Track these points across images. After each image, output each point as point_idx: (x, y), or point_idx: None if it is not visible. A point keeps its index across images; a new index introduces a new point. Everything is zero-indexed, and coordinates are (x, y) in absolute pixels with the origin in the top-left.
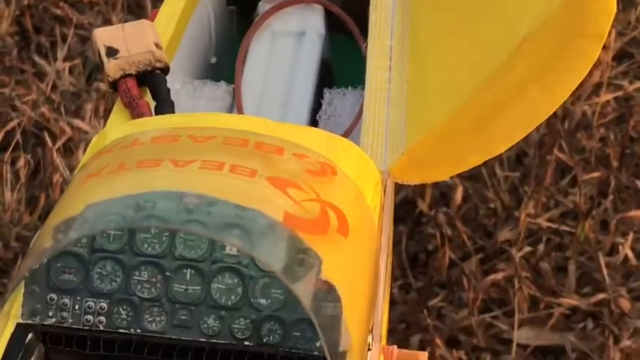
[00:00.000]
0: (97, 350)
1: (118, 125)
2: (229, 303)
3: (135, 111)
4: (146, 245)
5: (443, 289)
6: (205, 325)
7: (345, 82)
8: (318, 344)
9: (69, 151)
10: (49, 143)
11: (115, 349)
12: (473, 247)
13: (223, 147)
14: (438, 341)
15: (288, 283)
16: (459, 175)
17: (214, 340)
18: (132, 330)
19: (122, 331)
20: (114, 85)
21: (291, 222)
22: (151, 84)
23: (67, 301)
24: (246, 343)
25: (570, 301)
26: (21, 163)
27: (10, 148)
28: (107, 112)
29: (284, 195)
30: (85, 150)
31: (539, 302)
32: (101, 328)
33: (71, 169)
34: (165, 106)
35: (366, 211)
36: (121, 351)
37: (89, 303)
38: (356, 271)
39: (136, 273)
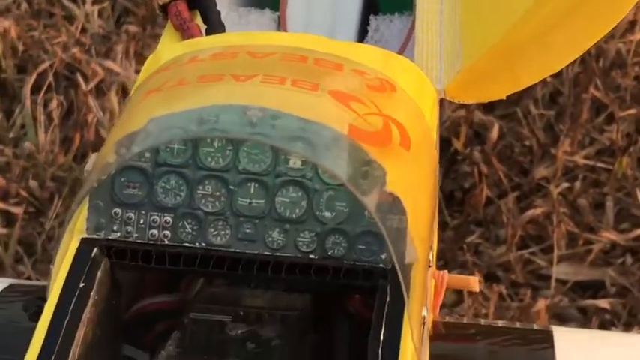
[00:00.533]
0: (162, 264)
1: (171, 46)
2: (293, 216)
3: (186, 34)
4: (210, 159)
5: (479, 227)
6: (270, 239)
7: (390, 9)
8: (383, 256)
9: (101, 92)
10: (82, 84)
11: (180, 263)
12: (509, 184)
13: (282, 63)
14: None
15: (356, 194)
16: (494, 114)
17: (279, 254)
18: (197, 244)
19: (187, 244)
20: (164, 8)
21: (356, 134)
22: (201, 7)
23: (131, 215)
24: (311, 256)
25: (609, 236)
26: (54, 104)
27: (43, 90)
28: (137, 55)
29: (347, 108)
30: (117, 92)
31: (578, 238)
32: (166, 242)
33: (104, 110)
34: (216, 28)
35: (426, 128)
36: (185, 265)
37: (154, 217)
38: (419, 185)
39: (200, 187)
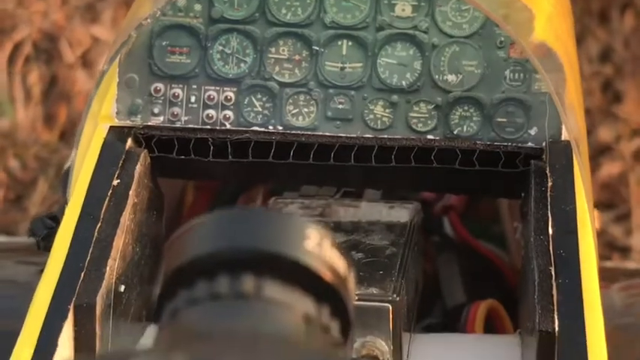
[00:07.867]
0: (224, 157)
1: None
2: (404, 83)
3: None
4: (284, 10)
5: None
6: (371, 116)
7: None
8: (532, 132)
9: (88, 65)
10: (66, 55)
11: (248, 153)
12: None
13: None
14: None
15: (513, 35)
16: None
17: (385, 136)
18: (270, 127)
19: (257, 129)
20: None
21: None
22: None
23: (178, 91)
24: (430, 136)
25: None
26: (34, 77)
27: (21, 62)
28: None
29: None
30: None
31: None
32: (228, 126)
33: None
34: None
35: None
36: (256, 156)
37: (210, 93)
38: (568, 32)
39: (273, 49)
